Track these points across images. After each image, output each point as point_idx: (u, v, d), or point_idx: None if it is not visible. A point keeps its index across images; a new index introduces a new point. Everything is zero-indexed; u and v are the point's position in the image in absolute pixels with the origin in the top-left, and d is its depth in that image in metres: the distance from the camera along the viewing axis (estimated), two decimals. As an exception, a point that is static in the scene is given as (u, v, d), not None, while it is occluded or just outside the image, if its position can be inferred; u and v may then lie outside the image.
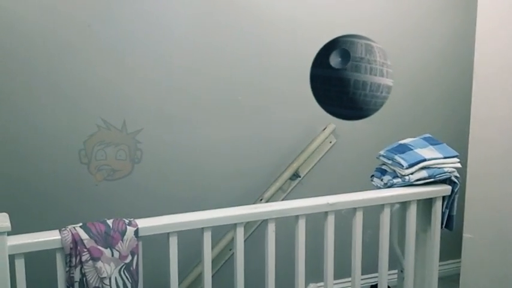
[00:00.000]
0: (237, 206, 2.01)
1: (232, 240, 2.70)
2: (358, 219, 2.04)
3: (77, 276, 1.64)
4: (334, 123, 2.85)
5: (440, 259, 2.22)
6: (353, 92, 2.64)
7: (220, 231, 2.59)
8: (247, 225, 1.91)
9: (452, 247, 2.89)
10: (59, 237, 1.62)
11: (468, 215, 2.25)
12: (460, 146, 2.65)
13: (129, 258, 1.71)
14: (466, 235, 2.22)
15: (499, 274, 2.13)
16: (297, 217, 1.95)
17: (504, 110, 2.13)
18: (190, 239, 1.85)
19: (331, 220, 2.00)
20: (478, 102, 2.22)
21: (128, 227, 1.71)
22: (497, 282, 2.14)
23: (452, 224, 2.21)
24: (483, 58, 2.18)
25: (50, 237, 1.62)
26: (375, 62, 2.64)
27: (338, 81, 2.59)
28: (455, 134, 3.19)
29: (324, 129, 2.89)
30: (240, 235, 1.88)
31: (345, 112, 2.69)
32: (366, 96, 2.65)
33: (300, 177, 2.88)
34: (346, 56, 2.53)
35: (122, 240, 1.70)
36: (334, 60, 2.49)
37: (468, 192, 2.25)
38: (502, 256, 2.12)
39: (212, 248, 1.94)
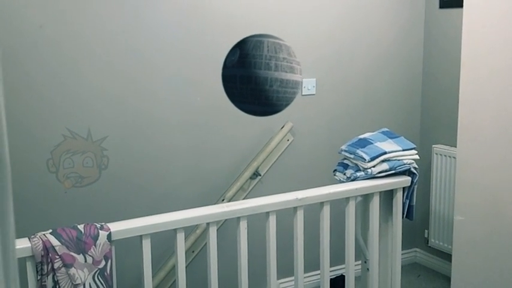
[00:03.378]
0: (201, 206, 2.01)
1: (195, 242, 2.72)
2: (326, 212, 2.09)
3: (49, 284, 1.59)
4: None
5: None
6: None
7: (186, 230, 2.58)
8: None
9: (404, 237, 3.02)
10: (29, 245, 1.56)
11: (459, 198, 2.29)
12: (412, 138, 2.78)
13: (103, 263, 1.68)
14: (457, 217, 2.27)
15: (490, 254, 2.20)
16: (267, 213, 1.97)
17: (492, 94, 2.15)
18: (157, 236, 1.83)
19: (300, 215, 2.04)
20: (466, 86, 2.23)
21: (100, 231, 1.68)
22: (488, 262, 2.21)
23: (412, 213, 2.31)
24: (470, 43, 2.19)
25: (19, 246, 1.55)
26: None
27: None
28: (407, 126, 3.35)
29: (282, 127, 2.93)
30: (212, 234, 1.89)
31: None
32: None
33: (260, 175, 2.90)
34: (242, 54, 2.60)
35: (95, 245, 1.66)
36: (230, 59, 2.57)
37: (458, 176, 2.29)
38: (493, 236, 2.18)
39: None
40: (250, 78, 2.59)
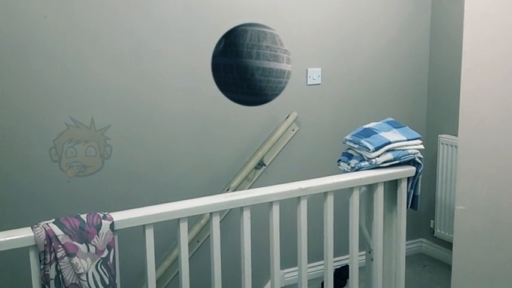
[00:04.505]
0: (205, 196, 2.00)
1: (200, 232, 2.72)
2: (329, 202, 2.08)
3: (52, 273, 1.59)
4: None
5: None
6: (245, 78, 2.68)
7: (190, 220, 2.58)
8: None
9: (410, 227, 3.00)
10: (32, 234, 1.57)
11: (460, 187, 2.26)
12: (418, 128, 2.76)
13: (106, 252, 1.68)
14: (458, 207, 2.25)
15: (491, 244, 2.18)
16: (271, 203, 1.97)
17: (494, 82, 2.11)
18: (161, 227, 1.83)
19: (303, 205, 2.03)
20: (467, 74, 2.19)
21: (103, 220, 1.68)
22: (489, 252, 2.19)
23: (417, 204, 2.29)
24: (472, 30, 2.15)
25: (22, 235, 1.56)
26: (267, 48, 2.69)
27: (231, 68, 2.63)
28: (412, 115, 3.33)
29: (287, 117, 2.92)
30: (216, 224, 1.88)
31: (245, 98, 2.74)
32: (259, 81, 2.69)
33: (265, 165, 2.90)
34: (226, 43, 2.57)
35: (98, 235, 1.66)
36: (217, 48, 2.54)
37: (459, 165, 2.27)
38: (494, 226, 2.16)
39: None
40: (232, 67, 2.58)
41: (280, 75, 2.76)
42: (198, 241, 2.79)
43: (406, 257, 2.72)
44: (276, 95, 2.83)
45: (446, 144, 3.17)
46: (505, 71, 2.07)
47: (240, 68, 2.59)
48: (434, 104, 3.33)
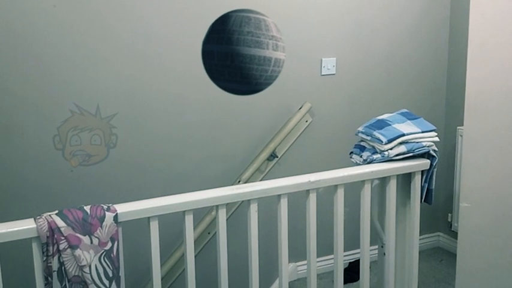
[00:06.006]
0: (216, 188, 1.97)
1: (211, 223, 2.70)
2: (340, 196, 2.04)
3: (55, 265, 1.58)
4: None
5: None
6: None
7: (198, 214, 2.56)
8: (227, 206, 1.87)
9: (427, 221, 2.94)
10: (34, 225, 1.56)
11: (465, 184, 2.19)
12: (435, 123, 2.68)
13: (109, 244, 1.66)
14: (463, 204, 2.18)
15: (497, 242, 2.11)
16: (279, 196, 1.93)
17: (499, 76, 2.04)
18: (170, 220, 1.81)
19: (313, 198, 1.98)
20: (473, 68, 2.12)
21: (106, 212, 1.66)
22: (494, 251, 2.12)
23: (431, 197, 2.22)
24: (477, 25, 2.08)
25: (24, 226, 1.55)
26: (257, 35, 2.59)
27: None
28: (431, 106, 3.24)
29: (300, 108, 2.86)
30: (222, 217, 1.85)
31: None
32: (248, 69, 2.59)
33: (277, 157, 2.85)
34: (211, 30, 2.49)
35: (101, 227, 1.64)
36: (206, 35, 2.47)
37: (464, 162, 2.19)
38: (500, 224, 2.09)
39: (192, 231, 1.90)
40: (213, 54, 2.50)
41: (264, 63, 2.62)
42: (209, 233, 2.76)
43: (423, 251, 2.67)
44: (262, 84, 2.70)
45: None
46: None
47: (221, 55, 2.52)
48: (453, 95, 3.23)
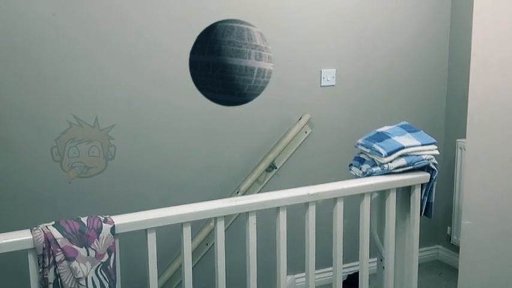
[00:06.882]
0: (213, 199, 1.96)
1: (209, 235, 2.68)
2: (339, 208, 2.02)
3: (51, 277, 1.57)
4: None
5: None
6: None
7: (196, 224, 2.54)
8: (225, 217, 1.86)
9: (426, 234, 2.91)
10: (31, 237, 1.54)
11: (467, 202, 2.16)
12: (435, 135, 2.67)
13: (106, 256, 1.64)
14: (465, 222, 2.15)
15: (499, 260, 2.08)
16: (277, 209, 1.91)
17: (503, 92, 2.02)
18: (167, 230, 1.79)
19: (312, 211, 1.97)
20: (476, 84, 2.10)
21: (103, 224, 1.64)
22: (496, 268, 2.10)
23: (431, 211, 2.21)
24: (480, 41, 2.07)
25: (21, 237, 1.54)
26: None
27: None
28: (431, 118, 3.24)
29: (300, 119, 2.86)
30: (220, 229, 1.84)
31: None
32: (230, 79, 2.56)
33: (276, 168, 2.84)
34: (196, 40, 2.48)
35: (98, 239, 1.63)
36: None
37: (466, 179, 2.17)
38: (502, 241, 2.07)
39: (190, 243, 1.89)
40: (197, 64, 2.49)
41: (246, 73, 2.59)
42: (207, 244, 2.75)
43: (422, 264, 2.64)
44: (246, 95, 2.67)
45: (465, 149, 3.06)
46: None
47: (203, 65, 2.51)
48: (453, 107, 3.23)
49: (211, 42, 2.48)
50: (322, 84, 2.93)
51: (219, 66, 2.49)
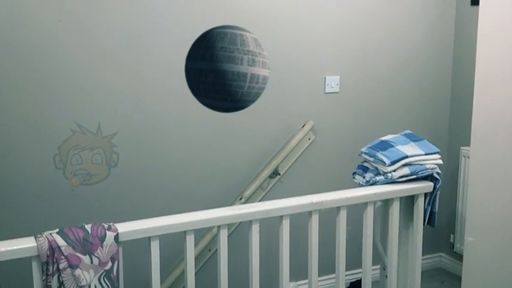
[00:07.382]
0: (216, 206, 1.96)
1: (212, 241, 2.68)
2: (342, 217, 2.02)
3: (54, 285, 1.57)
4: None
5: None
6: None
7: (199, 231, 2.54)
8: (228, 224, 1.86)
9: (429, 242, 2.91)
10: (35, 244, 1.55)
11: (470, 218, 2.16)
12: (439, 143, 2.67)
13: (109, 264, 1.65)
14: (468, 238, 2.16)
15: (502, 274, 2.08)
16: (281, 217, 1.92)
17: (506, 110, 2.02)
18: (170, 237, 1.80)
19: (315, 219, 1.97)
20: (480, 101, 2.10)
21: (107, 232, 1.65)
22: (500, 283, 2.09)
23: (434, 220, 2.21)
24: (484, 59, 2.08)
25: (25, 245, 1.55)
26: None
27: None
28: (434, 126, 3.24)
29: (303, 126, 2.86)
30: (223, 237, 1.84)
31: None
32: (222, 85, 2.54)
33: (279, 175, 2.84)
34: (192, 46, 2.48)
35: (102, 246, 1.63)
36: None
37: (470, 195, 2.17)
38: (505, 259, 2.06)
39: (193, 250, 1.89)
40: (191, 70, 2.48)
41: (238, 79, 2.56)
42: (209, 250, 2.75)
43: (424, 272, 2.63)
44: (240, 101, 2.64)
45: (468, 157, 3.06)
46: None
47: (196, 71, 2.50)
48: (457, 115, 3.22)
49: (204, 48, 2.48)
50: (326, 91, 2.93)
51: (211, 72, 2.48)
